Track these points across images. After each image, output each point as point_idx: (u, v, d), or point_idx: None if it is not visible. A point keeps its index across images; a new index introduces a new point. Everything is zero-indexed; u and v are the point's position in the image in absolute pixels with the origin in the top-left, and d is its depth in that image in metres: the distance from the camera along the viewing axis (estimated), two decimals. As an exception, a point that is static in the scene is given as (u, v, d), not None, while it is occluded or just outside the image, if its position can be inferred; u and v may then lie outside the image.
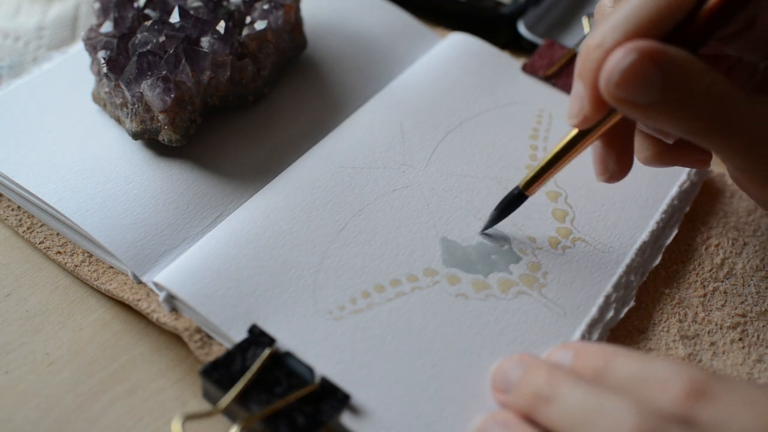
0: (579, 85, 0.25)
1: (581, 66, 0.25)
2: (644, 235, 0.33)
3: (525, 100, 0.39)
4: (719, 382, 0.22)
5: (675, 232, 0.34)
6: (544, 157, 0.29)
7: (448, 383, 0.27)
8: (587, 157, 0.36)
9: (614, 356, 0.25)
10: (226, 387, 0.26)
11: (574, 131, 0.28)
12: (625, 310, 0.31)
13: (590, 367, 0.25)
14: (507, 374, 0.26)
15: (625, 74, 0.23)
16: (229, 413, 0.26)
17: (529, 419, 0.25)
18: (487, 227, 0.32)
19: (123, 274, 0.31)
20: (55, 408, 0.28)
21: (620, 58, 0.23)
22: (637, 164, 0.36)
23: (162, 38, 0.33)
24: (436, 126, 0.37)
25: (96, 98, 0.36)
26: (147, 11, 0.35)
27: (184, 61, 0.32)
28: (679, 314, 0.31)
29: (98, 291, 0.31)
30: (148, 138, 0.33)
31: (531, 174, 0.30)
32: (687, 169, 0.36)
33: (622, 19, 0.24)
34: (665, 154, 0.30)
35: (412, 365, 0.27)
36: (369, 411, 0.26)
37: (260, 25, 0.36)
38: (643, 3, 0.24)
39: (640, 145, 0.31)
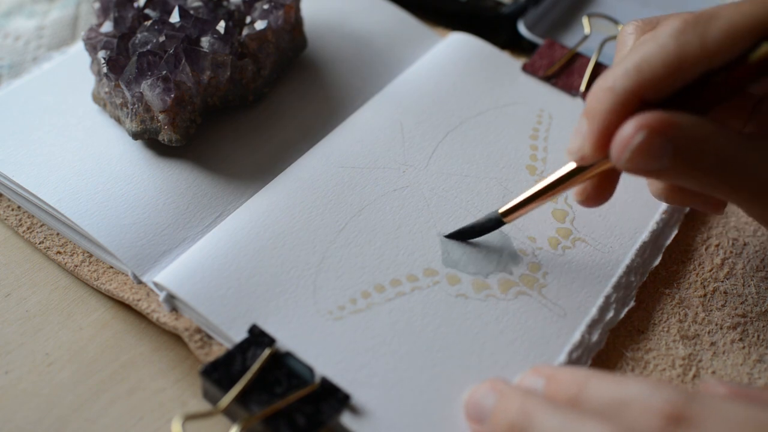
0: (583, 124, 0.26)
1: (589, 106, 0.25)
2: (644, 236, 0.33)
3: (525, 100, 0.39)
4: (698, 403, 0.22)
5: (675, 232, 0.34)
6: (531, 187, 0.29)
7: (448, 383, 0.27)
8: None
9: (587, 381, 0.24)
10: (226, 387, 0.26)
11: (568, 167, 0.28)
12: (625, 310, 0.31)
13: (563, 394, 0.24)
14: (480, 404, 0.25)
15: (635, 151, 0.24)
16: (230, 413, 0.26)
17: None
18: (452, 236, 0.31)
19: (123, 274, 0.31)
20: (55, 408, 0.28)
21: (630, 135, 0.24)
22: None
23: (162, 38, 0.33)
24: (436, 126, 0.37)
25: (96, 98, 0.36)
26: (147, 11, 0.35)
27: (184, 60, 0.32)
28: (680, 314, 0.31)
29: (98, 291, 0.31)
30: (148, 138, 0.33)
31: (514, 202, 0.30)
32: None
33: (634, 67, 0.24)
34: (678, 192, 0.30)
35: (412, 365, 0.27)
36: (369, 411, 0.26)
37: (260, 24, 0.36)
38: (657, 55, 0.24)
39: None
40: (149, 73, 0.32)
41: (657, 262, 0.33)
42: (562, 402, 0.24)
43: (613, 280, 0.31)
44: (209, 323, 0.28)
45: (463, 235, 0.32)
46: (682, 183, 0.26)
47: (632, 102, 0.25)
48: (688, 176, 0.25)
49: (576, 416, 0.22)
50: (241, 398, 0.25)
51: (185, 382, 0.29)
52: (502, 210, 0.30)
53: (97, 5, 0.36)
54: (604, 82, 0.25)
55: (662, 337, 0.31)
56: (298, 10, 0.38)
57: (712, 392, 0.25)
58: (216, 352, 0.28)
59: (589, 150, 0.26)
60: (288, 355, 0.27)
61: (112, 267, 0.31)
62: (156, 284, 0.29)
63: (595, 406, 0.23)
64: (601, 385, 0.23)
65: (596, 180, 0.28)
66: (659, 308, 0.32)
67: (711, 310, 0.32)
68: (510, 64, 0.41)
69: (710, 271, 0.33)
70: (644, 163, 0.24)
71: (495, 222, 0.31)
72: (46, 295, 0.31)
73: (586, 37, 0.42)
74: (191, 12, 0.35)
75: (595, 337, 0.29)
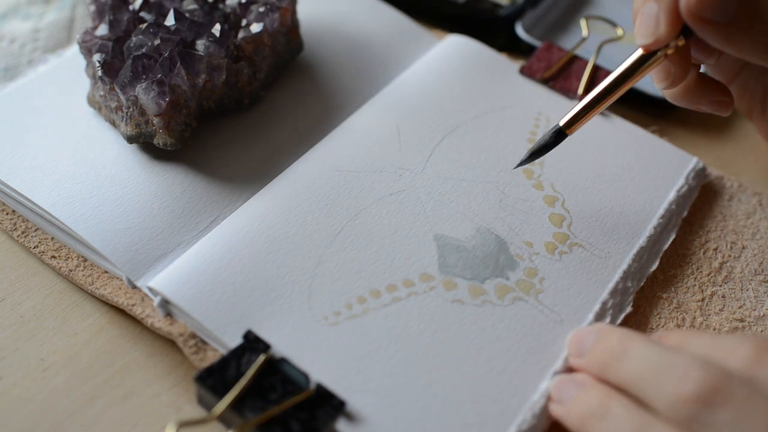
0: (652, 6, 0.27)
1: None
2: (642, 240, 0.33)
3: (522, 102, 0.39)
4: (741, 383, 0.23)
5: (673, 236, 0.34)
6: (588, 95, 0.30)
7: (444, 390, 0.27)
8: (586, 160, 0.36)
9: (634, 342, 0.25)
10: (220, 393, 0.25)
11: (626, 64, 0.29)
12: (622, 316, 0.30)
13: (609, 350, 0.26)
14: (582, 339, 0.27)
15: None
16: (224, 420, 0.26)
17: (603, 379, 0.26)
18: (521, 164, 0.32)
19: (118, 278, 0.31)
20: (49, 414, 0.28)
21: None
22: (635, 169, 0.36)
23: (157, 41, 0.33)
24: (433, 129, 0.36)
25: (91, 101, 0.36)
26: (142, 14, 0.35)
27: (179, 64, 0.32)
28: (677, 319, 0.31)
29: (93, 296, 0.31)
30: (143, 142, 0.33)
31: (574, 111, 0.30)
32: (685, 173, 0.36)
33: None
34: (693, 88, 0.31)
35: (408, 371, 0.27)
36: (364, 417, 0.26)
37: (256, 27, 0.35)
38: None
39: (667, 74, 0.31)
40: (144, 77, 0.32)
41: (654, 266, 0.32)
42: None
43: (610, 285, 0.31)
44: (204, 328, 0.28)
45: (529, 159, 0.32)
46: (739, 47, 0.26)
47: None
48: (748, 35, 0.26)
49: (671, 350, 0.24)
50: (236, 404, 0.25)
51: (180, 388, 0.29)
52: (563, 122, 0.30)
53: (92, 8, 0.36)
54: None
55: (659, 342, 0.30)
56: (294, 12, 0.38)
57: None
58: (211, 357, 0.28)
59: (665, 27, 0.27)
60: (283, 361, 0.27)
61: (106, 272, 0.31)
62: (150, 289, 0.29)
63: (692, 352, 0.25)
64: (701, 341, 0.25)
65: (673, 60, 0.29)
66: (657, 313, 0.31)
67: (709, 315, 0.32)
68: (507, 66, 0.41)
69: (708, 275, 0.33)
70: (713, 8, 0.25)
71: (557, 135, 0.31)
72: (41, 299, 0.31)
73: (584, 40, 0.41)
74: (186, 15, 0.34)
75: (591, 342, 0.29)
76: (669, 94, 0.32)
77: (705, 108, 0.32)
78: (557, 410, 0.26)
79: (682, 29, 0.27)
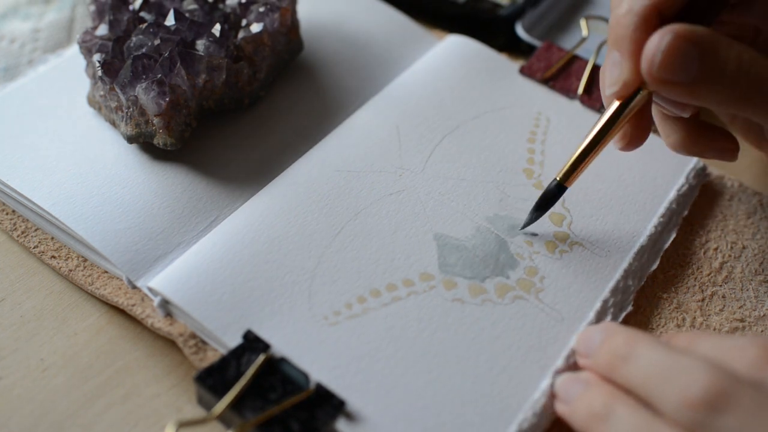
0: (614, 54, 0.27)
1: (615, 35, 0.27)
2: (642, 240, 0.33)
3: (523, 103, 0.39)
4: (748, 388, 0.23)
5: (673, 236, 0.34)
6: (579, 145, 0.30)
7: (445, 389, 0.27)
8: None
9: (641, 344, 0.25)
10: (220, 393, 0.25)
11: (606, 115, 0.29)
12: (623, 315, 0.30)
13: (616, 350, 0.26)
14: (589, 339, 0.27)
15: (666, 54, 0.25)
16: (224, 419, 0.26)
17: (609, 380, 0.26)
18: (526, 225, 0.32)
19: (117, 278, 0.31)
20: (49, 414, 0.28)
21: (659, 40, 0.25)
22: (635, 168, 0.36)
23: (157, 41, 0.33)
24: (433, 129, 0.36)
25: (91, 101, 0.36)
26: (142, 14, 0.35)
27: (179, 64, 0.32)
28: (677, 319, 0.31)
29: (93, 296, 0.31)
30: (143, 142, 0.33)
31: (569, 164, 0.30)
32: (685, 173, 0.36)
33: None
34: (693, 138, 0.31)
35: (408, 371, 0.27)
36: (364, 417, 0.26)
37: (256, 27, 0.35)
38: None
39: (667, 130, 0.32)
40: (144, 77, 0.32)
41: (655, 266, 0.32)
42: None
43: (611, 284, 0.31)
44: (204, 328, 0.28)
45: (534, 218, 0.32)
46: (712, 102, 0.27)
47: (652, 17, 0.26)
48: (716, 90, 0.26)
49: (676, 351, 0.24)
50: (236, 404, 0.25)
51: (180, 388, 0.29)
52: (559, 176, 0.31)
53: (92, 8, 0.36)
54: (620, 9, 0.27)
55: (660, 341, 0.30)
56: (294, 12, 0.38)
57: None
58: (210, 357, 0.28)
59: (629, 73, 0.27)
60: (283, 360, 0.27)
61: (106, 272, 0.31)
62: (150, 289, 0.29)
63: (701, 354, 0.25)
64: (709, 342, 0.25)
65: (633, 121, 0.29)
66: (657, 313, 0.31)
67: (709, 315, 0.32)
68: (507, 66, 0.41)
69: (708, 275, 0.33)
70: (675, 70, 0.25)
71: (557, 190, 0.31)
72: (41, 300, 0.31)
73: (584, 40, 0.41)
74: (186, 15, 0.34)
75: (592, 342, 0.29)
76: (671, 147, 0.32)
77: (711, 156, 0.32)
78: (562, 409, 0.26)
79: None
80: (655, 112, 0.32)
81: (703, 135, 0.31)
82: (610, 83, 0.28)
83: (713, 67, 0.25)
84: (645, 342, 0.25)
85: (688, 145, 0.31)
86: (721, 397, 0.22)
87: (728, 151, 0.31)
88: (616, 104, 0.29)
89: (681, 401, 0.23)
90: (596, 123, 0.30)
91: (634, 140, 0.30)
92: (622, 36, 0.27)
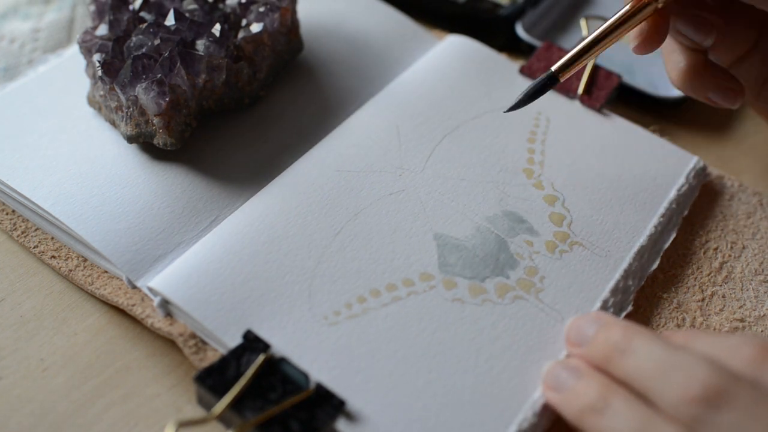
0: None
1: None
2: (642, 239, 0.33)
3: (523, 102, 0.39)
4: (746, 386, 0.23)
5: (673, 235, 0.34)
6: (583, 41, 0.30)
7: (444, 389, 0.27)
8: (586, 160, 0.36)
9: (638, 338, 0.25)
10: (220, 393, 0.25)
11: (615, 15, 0.29)
12: (623, 315, 0.30)
13: (611, 343, 0.26)
14: (582, 329, 0.27)
15: None
16: (224, 419, 0.26)
17: (603, 371, 0.26)
18: (512, 108, 0.32)
19: (117, 278, 0.31)
20: (49, 414, 0.28)
21: None
22: (635, 168, 0.36)
23: (157, 41, 0.33)
24: (433, 129, 0.36)
25: (91, 101, 0.36)
26: (142, 14, 0.35)
27: (179, 64, 0.32)
28: (677, 319, 0.31)
29: (93, 296, 0.31)
30: (143, 141, 0.33)
31: (567, 57, 0.30)
32: (685, 173, 0.36)
33: None
34: (700, 71, 0.31)
35: (408, 371, 0.27)
36: (364, 417, 0.26)
37: (256, 27, 0.35)
38: None
39: (675, 60, 0.31)
40: (144, 77, 0.32)
41: (655, 266, 0.32)
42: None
43: (611, 284, 0.31)
44: (204, 328, 0.28)
45: (522, 103, 0.32)
46: None
47: None
48: None
49: (676, 348, 0.24)
50: (236, 404, 0.25)
51: (180, 388, 0.29)
52: (555, 67, 0.31)
53: (92, 8, 0.36)
54: None
55: (660, 341, 0.30)
56: (294, 12, 0.38)
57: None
58: (210, 357, 0.28)
59: None
60: (283, 360, 0.27)
61: (106, 272, 0.31)
62: (150, 289, 0.29)
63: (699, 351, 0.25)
64: (706, 340, 0.25)
65: (651, 22, 0.29)
66: (657, 313, 0.31)
67: (709, 315, 0.32)
68: (507, 66, 0.41)
69: (708, 275, 0.33)
70: None
71: (549, 79, 0.31)
72: (41, 300, 0.31)
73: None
74: (186, 15, 0.34)
75: (592, 342, 0.29)
76: (675, 78, 0.32)
77: (713, 96, 0.31)
78: (553, 398, 0.26)
79: None
80: (668, 43, 0.31)
81: (709, 71, 0.31)
82: None
83: None
84: (643, 336, 0.25)
85: (693, 79, 0.31)
86: (719, 394, 0.22)
87: (731, 92, 0.31)
88: (627, 7, 0.29)
89: (679, 397, 0.23)
90: (607, 21, 0.30)
91: (650, 40, 0.30)
92: None
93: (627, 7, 0.30)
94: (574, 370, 0.26)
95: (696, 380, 0.23)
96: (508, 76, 0.40)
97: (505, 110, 0.32)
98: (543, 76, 0.31)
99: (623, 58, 0.44)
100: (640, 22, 0.29)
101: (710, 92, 0.31)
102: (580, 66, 0.31)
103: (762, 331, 0.31)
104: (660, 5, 0.29)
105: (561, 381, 0.26)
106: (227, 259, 0.29)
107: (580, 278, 0.31)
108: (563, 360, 0.27)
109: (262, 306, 0.28)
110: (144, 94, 0.32)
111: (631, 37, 0.30)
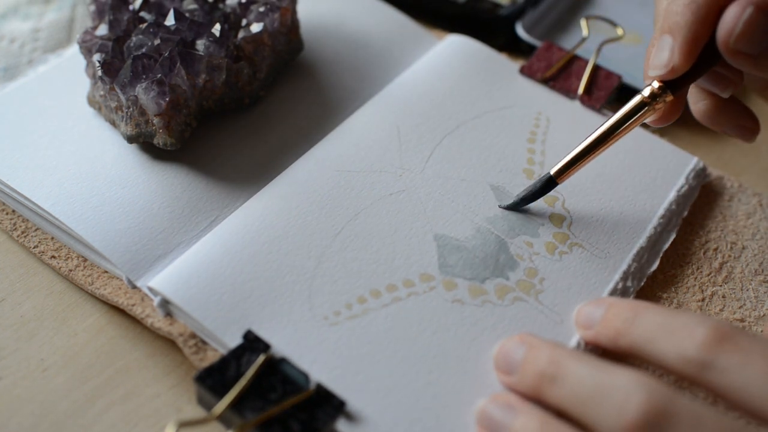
0: (667, 39, 0.28)
1: (670, 22, 0.28)
2: (642, 240, 0.33)
3: (523, 102, 0.39)
4: (743, 333, 0.23)
5: (673, 236, 0.34)
6: (579, 145, 0.31)
7: (445, 390, 0.27)
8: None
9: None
10: (220, 393, 0.25)
11: (612, 119, 0.30)
12: (623, 315, 0.30)
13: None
14: (509, 355, 0.26)
15: (746, 25, 0.26)
16: (224, 420, 0.26)
17: (536, 400, 0.25)
18: (509, 207, 0.33)
19: (117, 278, 0.31)
20: (49, 414, 0.28)
21: (740, 11, 0.26)
22: (635, 168, 0.36)
23: (157, 41, 0.33)
24: (433, 129, 0.36)
25: (91, 101, 0.36)
26: (142, 14, 0.35)
27: (179, 64, 0.32)
28: (677, 319, 0.31)
29: (93, 296, 0.31)
30: (143, 141, 0.33)
31: (565, 161, 0.31)
32: (685, 173, 0.36)
33: None
34: (720, 110, 0.32)
35: (408, 371, 0.27)
36: (365, 418, 0.26)
37: (256, 27, 0.35)
38: None
39: (697, 97, 0.32)
40: (144, 77, 0.32)
41: (655, 267, 0.32)
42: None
43: (610, 285, 0.31)
44: (204, 328, 0.28)
45: (519, 204, 0.32)
46: (765, 70, 0.27)
47: (715, 11, 0.27)
48: None
49: (605, 366, 0.24)
50: (236, 404, 0.25)
51: (180, 388, 0.29)
52: (554, 171, 0.31)
53: (92, 8, 0.36)
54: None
55: (660, 342, 0.30)
56: (294, 12, 0.38)
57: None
58: (210, 357, 0.28)
59: (680, 60, 0.28)
60: (283, 360, 0.27)
61: (106, 271, 0.31)
62: (150, 289, 0.29)
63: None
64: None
65: (666, 107, 0.30)
66: (657, 313, 0.31)
67: (709, 315, 0.32)
68: (507, 66, 0.41)
69: (708, 275, 0.33)
70: (750, 42, 0.26)
71: (547, 183, 0.31)
72: (41, 300, 0.31)
73: (584, 40, 0.41)
74: (187, 15, 0.34)
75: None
76: (696, 115, 0.33)
77: (730, 132, 0.32)
78: None
79: (669, 84, 0.29)
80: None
81: (729, 109, 0.32)
82: (657, 65, 0.28)
83: None
84: (571, 358, 0.24)
85: (714, 116, 0.32)
86: (659, 417, 0.21)
87: (748, 130, 0.32)
88: (633, 102, 0.30)
89: (618, 425, 0.22)
90: (603, 123, 0.30)
91: (668, 115, 0.30)
92: (682, 24, 0.27)
93: (627, 107, 0.30)
94: (507, 408, 0.25)
95: (632, 404, 0.22)
96: (508, 76, 0.40)
97: (502, 206, 0.33)
98: (542, 178, 0.32)
99: (623, 58, 0.44)
100: (639, 122, 0.30)
101: (728, 128, 0.32)
102: (579, 169, 0.31)
103: (762, 331, 0.31)
104: (659, 106, 0.29)
105: (496, 422, 0.25)
106: (227, 259, 0.29)
107: (580, 279, 0.31)
108: (494, 398, 0.26)
109: (263, 306, 0.28)
110: (144, 94, 0.32)
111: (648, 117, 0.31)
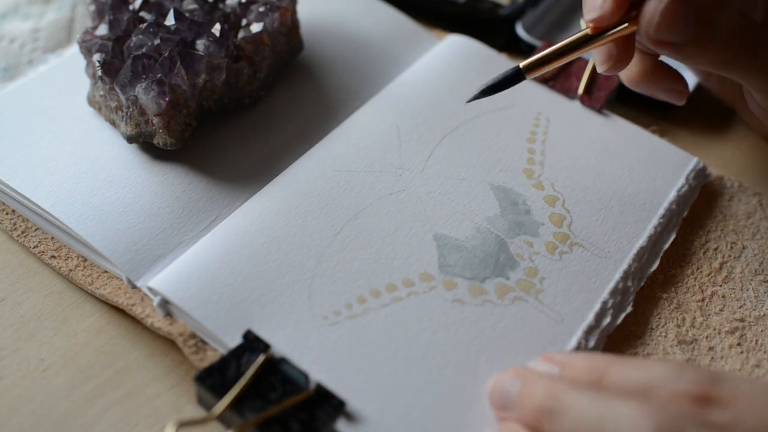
0: None
1: None
2: (642, 240, 0.33)
3: (523, 102, 0.39)
4: (722, 382, 0.22)
5: (673, 236, 0.34)
6: (555, 45, 0.30)
7: (445, 390, 0.27)
8: (586, 160, 0.36)
9: (608, 366, 0.24)
10: (220, 393, 0.25)
11: (584, 32, 0.30)
12: (622, 316, 0.30)
13: (584, 379, 0.24)
14: (505, 391, 0.25)
15: (663, 15, 0.26)
16: (224, 419, 0.26)
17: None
18: (474, 98, 0.31)
19: (117, 278, 0.31)
20: (49, 414, 0.28)
21: (657, 2, 0.26)
22: (635, 168, 0.36)
23: (157, 41, 0.33)
24: (433, 129, 0.36)
25: (91, 101, 0.36)
26: (142, 14, 0.35)
27: (179, 64, 0.32)
28: (677, 319, 0.31)
29: (93, 296, 0.31)
30: (143, 141, 0.33)
31: (536, 57, 0.30)
32: (685, 173, 0.36)
33: None
34: (650, 74, 0.32)
35: (408, 371, 0.27)
36: (364, 418, 0.26)
37: (256, 27, 0.35)
38: None
39: (609, 56, 0.31)
40: (144, 77, 0.32)
41: (655, 267, 0.32)
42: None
43: (611, 285, 0.31)
44: (204, 328, 0.28)
45: (483, 94, 0.31)
46: (702, 62, 0.28)
47: None
48: (707, 51, 0.27)
49: (606, 396, 0.23)
50: (236, 404, 0.25)
51: (180, 388, 0.29)
52: (523, 64, 0.31)
53: (92, 8, 0.36)
54: None
55: (660, 342, 0.30)
56: (294, 12, 0.38)
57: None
58: (210, 357, 0.28)
59: (610, 8, 0.28)
60: (283, 360, 0.27)
61: (106, 271, 0.31)
62: (150, 289, 0.29)
63: (620, 390, 0.23)
64: (624, 370, 0.24)
65: (618, 42, 0.30)
66: (657, 313, 0.31)
67: (709, 315, 0.32)
68: (507, 66, 0.41)
69: (708, 275, 0.33)
70: (671, 31, 0.27)
71: (515, 74, 0.31)
72: (41, 300, 0.31)
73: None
74: (186, 15, 0.34)
75: (592, 343, 0.29)
76: (625, 79, 0.33)
77: (660, 96, 0.33)
78: None
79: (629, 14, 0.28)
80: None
81: (659, 73, 0.32)
82: (591, 8, 0.29)
83: (707, 31, 0.27)
84: (569, 390, 0.23)
85: (643, 80, 0.32)
86: None
87: (677, 92, 0.32)
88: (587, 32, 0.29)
89: None
90: (580, 32, 0.30)
91: (619, 62, 0.30)
92: None
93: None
94: None
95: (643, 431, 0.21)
96: (508, 76, 0.40)
97: (467, 101, 0.32)
98: (510, 70, 0.31)
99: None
100: (616, 37, 0.29)
101: (658, 93, 0.32)
102: (550, 68, 0.31)
103: (762, 331, 0.31)
104: (636, 28, 0.29)
105: None
106: (227, 259, 0.29)
107: (580, 279, 0.31)
108: (499, 427, 0.25)
109: (262, 306, 0.28)
110: (144, 94, 0.32)
111: (599, 60, 0.31)
